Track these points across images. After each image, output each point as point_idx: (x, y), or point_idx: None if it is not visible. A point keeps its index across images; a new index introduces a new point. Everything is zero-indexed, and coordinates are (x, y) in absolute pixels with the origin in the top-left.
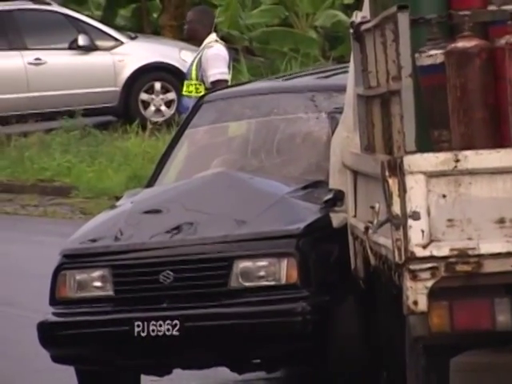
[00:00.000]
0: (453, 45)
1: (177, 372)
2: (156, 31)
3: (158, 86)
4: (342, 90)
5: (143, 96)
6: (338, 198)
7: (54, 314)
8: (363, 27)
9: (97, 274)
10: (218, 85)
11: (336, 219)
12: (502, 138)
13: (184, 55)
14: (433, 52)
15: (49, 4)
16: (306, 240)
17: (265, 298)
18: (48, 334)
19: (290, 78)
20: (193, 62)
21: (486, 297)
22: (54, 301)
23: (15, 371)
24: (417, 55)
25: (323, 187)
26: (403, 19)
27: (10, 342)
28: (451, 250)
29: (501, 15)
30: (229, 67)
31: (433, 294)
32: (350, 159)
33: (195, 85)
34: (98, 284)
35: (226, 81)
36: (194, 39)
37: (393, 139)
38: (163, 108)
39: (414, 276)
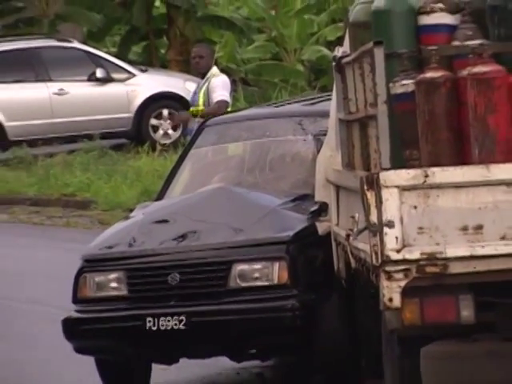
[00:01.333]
0: (422, 75)
1: (183, 361)
2: (164, 65)
3: (165, 112)
4: (325, 115)
5: (153, 121)
6: (323, 209)
7: (77, 311)
8: (344, 60)
9: (113, 276)
10: (221, 104)
11: (321, 227)
12: (465, 156)
13: (188, 86)
14: (405, 82)
15: (70, 42)
16: (295, 246)
17: (259, 296)
18: (71, 328)
19: (281, 105)
20: (200, 90)
21: (452, 294)
22: (76, 299)
23: (41, 360)
24: (391, 84)
25: (310, 200)
26: (379, 53)
27: (35, 335)
28: (421, 253)
29: (463, 50)
30: (231, 93)
31: (405, 292)
32: (333, 175)
33: (201, 110)
34: (114, 285)
35: (228, 102)
36: (199, 70)
37: (370, 157)
38: (170, 131)
39: (389, 276)
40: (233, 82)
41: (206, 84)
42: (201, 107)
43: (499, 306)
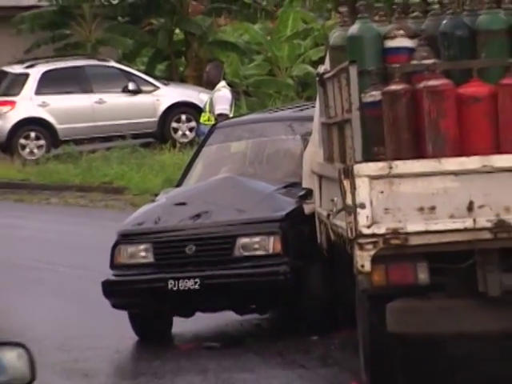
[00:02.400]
0: (387, 88)
1: (197, 314)
2: (182, 80)
3: (183, 117)
4: (310, 119)
5: (173, 124)
6: (308, 194)
7: (113, 275)
8: (325, 76)
9: (142, 247)
10: (220, 117)
11: (307, 208)
12: (421, 151)
13: (201, 96)
14: (373, 93)
15: (108, 61)
16: (287, 223)
17: (258, 263)
18: (109, 288)
19: (275, 111)
20: (208, 99)
21: (411, 261)
22: (112, 266)
23: (85, 314)
24: (362, 95)
25: (298, 187)
26: (353, 70)
27: (81, 294)
28: (387, 229)
29: (419, 67)
30: (232, 104)
31: (374, 260)
32: (316, 167)
33: (208, 116)
34: (142, 254)
35: (227, 115)
36: (210, 84)
37: (346, 153)
38: (187, 132)
39: (361, 247)
40: (236, 94)
41: (213, 96)
42: (208, 114)
43: (448, 271)
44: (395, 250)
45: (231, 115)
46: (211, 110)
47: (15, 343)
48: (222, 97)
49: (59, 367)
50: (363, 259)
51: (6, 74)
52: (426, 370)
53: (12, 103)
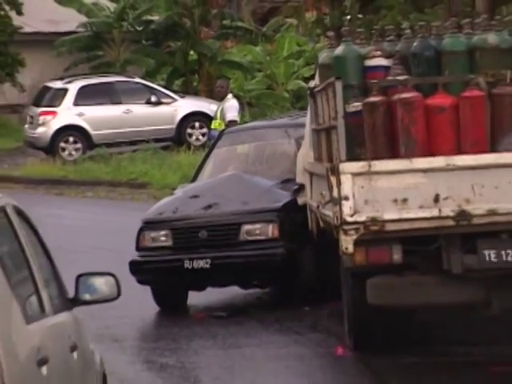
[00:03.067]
0: (367, 99)
1: (208, 288)
2: (195, 93)
3: (197, 124)
4: (303, 126)
5: (188, 130)
6: (301, 188)
7: (138, 256)
8: (315, 90)
9: (162, 233)
10: (230, 123)
11: (300, 200)
12: (395, 153)
13: (211, 107)
14: (355, 104)
15: (134, 77)
16: (283, 212)
17: (259, 246)
18: (135, 267)
19: (273, 119)
20: (218, 109)
21: (387, 244)
22: (137, 248)
23: None
24: (346, 105)
25: (292, 182)
26: (338, 85)
27: (112, 271)
28: (367, 217)
29: (394, 82)
30: (239, 113)
31: (356, 243)
32: (308, 166)
33: (219, 122)
34: (163, 238)
35: (236, 121)
36: (220, 96)
37: (332, 154)
38: (200, 137)
39: (346, 233)
40: (241, 104)
41: (222, 105)
42: (218, 121)
43: (418, 252)
44: (374, 234)
45: (238, 121)
46: (222, 118)
47: (105, 273)
48: (231, 106)
49: (93, 333)
50: (347, 242)
51: (49, 88)
52: (400, 334)
53: (54, 113)
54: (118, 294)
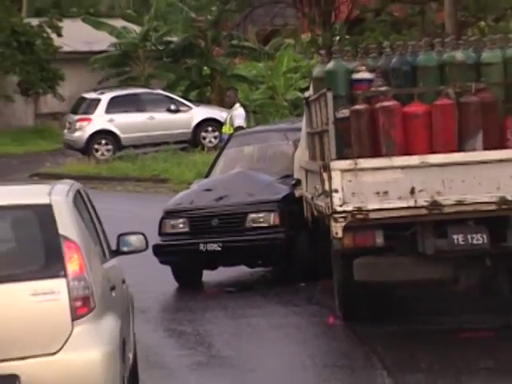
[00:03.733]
0: (353, 107)
1: (220, 268)
2: (208, 102)
3: (210, 129)
4: (299, 130)
5: (203, 134)
6: (298, 182)
7: (160, 240)
8: (310, 99)
9: (180, 220)
10: (238, 128)
11: (297, 193)
12: (378, 152)
13: (222, 114)
14: (344, 111)
15: (156, 89)
16: (283, 203)
17: (262, 231)
18: (157, 250)
19: (274, 124)
20: (227, 116)
21: (371, 230)
22: (160, 233)
23: (142, 267)
24: (336, 113)
25: (291, 177)
26: (329, 95)
27: (138, 253)
28: (353, 207)
29: (376, 93)
30: (245, 119)
31: (345, 229)
32: (303, 164)
33: (228, 128)
34: (181, 225)
35: (243, 126)
36: (229, 105)
37: (324, 153)
38: (212, 140)
39: (336, 220)
40: (247, 112)
41: (231, 113)
42: (228, 126)
43: (397, 237)
44: (359, 222)
45: (245, 126)
46: (231, 123)
47: (137, 232)
48: (239, 114)
49: None
50: (337, 229)
51: (84, 99)
52: (383, 306)
53: (89, 120)
54: (146, 247)
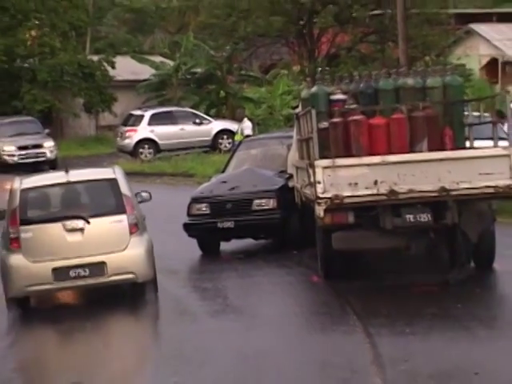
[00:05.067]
0: (331, 120)
1: (233, 240)
2: (224, 117)
3: (225, 137)
4: (291, 137)
5: (220, 141)
6: (291, 176)
7: (188, 219)
8: (299, 114)
9: (203, 205)
10: (246, 136)
11: (290, 184)
12: (350, 153)
13: (234, 126)
14: (324, 123)
15: (185, 107)
16: (279, 191)
17: (264, 213)
18: (186, 227)
19: (273, 133)
20: (238, 128)
21: (345, 211)
22: (188, 214)
23: (175, 239)
24: (318, 124)
25: (285, 172)
26: (313, 112)
27: (173, 230)
28: (332, 194)
29: (348, 110)
30: (252, 129)
31: (325, 211)
32: (295, 162)
33: (239, 136)
34: (204, 209)
35: (250, 135)
36: (239, 119)
37: (310, 155)
38: (227, 145)
39: (319, 204)
40: (253, 123)
41: (241, 125)
42: (238, 135)
43: (364, 216)
44: (336, 205)
45: (252, 135)
46: (241, 133)
47: (145, 190)
48: (247, 126)
49: (159, 268)
50: (320, 210)
51: (132, 115)
52: (356, 268)
53: (135, 130)
54: (150, 199)
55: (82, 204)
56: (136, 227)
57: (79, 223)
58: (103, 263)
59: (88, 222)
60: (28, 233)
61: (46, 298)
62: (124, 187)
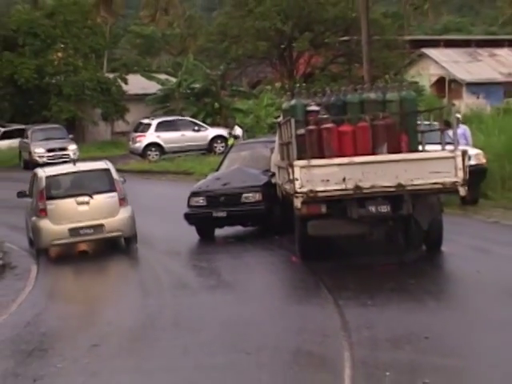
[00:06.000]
0: (307, 128)
1: (225, 228)
2: (218, 125)
3: (219, 141)
4: (274, 141)
5: (215, 145)
6: (273, 174)
7: (188, 210)
8: (281, 123)
9: (200, 198)
10: (237, 137)
11: (273, 180)
12: (322, 155)
13: (226, 132)
14: (301, 130)
15: (185, 117)
16: (264, 187)
17: (251, 204)
18: (186, 216)
19: (258, 139)
20: (230, 132)
21: (318, 203)
22: (188, 206)
23: (177, 227)
24: (297, 131)
25: (269, 171)
26: (292, 121)
27: (175, 218)
28: (308, 189)
29: (321, 119)
30: (242, 135)
31: (302, 203)
32: (277, 162)
33: (231, 141)
34: (201, 201)
35: (239, 136)
36: (231, 127)
37: (289, 156)
38: (221, 148)
39: (297, 197)
40: (243, 130)
41: (233, 132)
42: (231, 140)
43: (335, 207)
44: (311, 198)
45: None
46: (234, 136)
47: (122, 176)
48: (237, 132)
49: (164, 250)
50: (297, 202)
51: (141, 123)
52: (328, 250)
53: (144, 136)
54: (125, 182)
55: (87, 185)
56: (123, 201)
57: (86, 198)
58: (102, 225)
59: (92, 197)
60: (52, 205)
61: (64, 248)
62: (114, 174)
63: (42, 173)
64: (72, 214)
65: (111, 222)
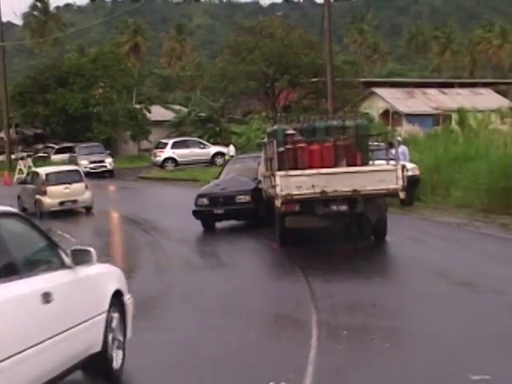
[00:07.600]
0: (286, 146)
1: (223, 222)
2: (218, 144)
3: (219, 156)
4: (260, 157)
5: (215, 159)
6: (260, 181)
7: (195, 208)
8: (265, 142)
9: (204, 199)
10: (232, 157)
11: (260, 186)
12: (297, 168)
13: (225, 150)
14: (281, 148)
15: (194, 137)
16: (253, 191)
17: (243, 204)
18: (194, 213)
19: (249, 155)
20: (227, 151)
21: (293, 204)
22: (195, 205)
23: (186, 221)
24: (278, 149)
25: (257, 179)
26: (274, 141)
27: (186, 213)
28: (286, 193)
29: (296, 140)
30: (236, 152)
31: (282, 203)
32: (262, 172)
33: (229, 156)
34: (205, 201)
35: (234, 156)
36: (228, 145)
37: (272, 168)
38: (220, 161)
39: (277, 199)
40: (237, 148)
41: (229, 150)
42: (228, 156)
43: (305, 206)
44: (288, 200)
45: (235, 156)
46: (229, 155)
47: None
48: (232, 150)
49: (176, 238)
50: (278, 203)
51: (161, 142)
52: (302, 239)
53: (163, 151)
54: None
55: (68, 178)
56: (87, 187)
57: (68, 185)
58: (76, 200)
59: (70, 185)
60: (49, 188)
61: (56, 212)
62: (82, 172)
63: (43, 171)
64: (60, 194)
65: (81, 199)
